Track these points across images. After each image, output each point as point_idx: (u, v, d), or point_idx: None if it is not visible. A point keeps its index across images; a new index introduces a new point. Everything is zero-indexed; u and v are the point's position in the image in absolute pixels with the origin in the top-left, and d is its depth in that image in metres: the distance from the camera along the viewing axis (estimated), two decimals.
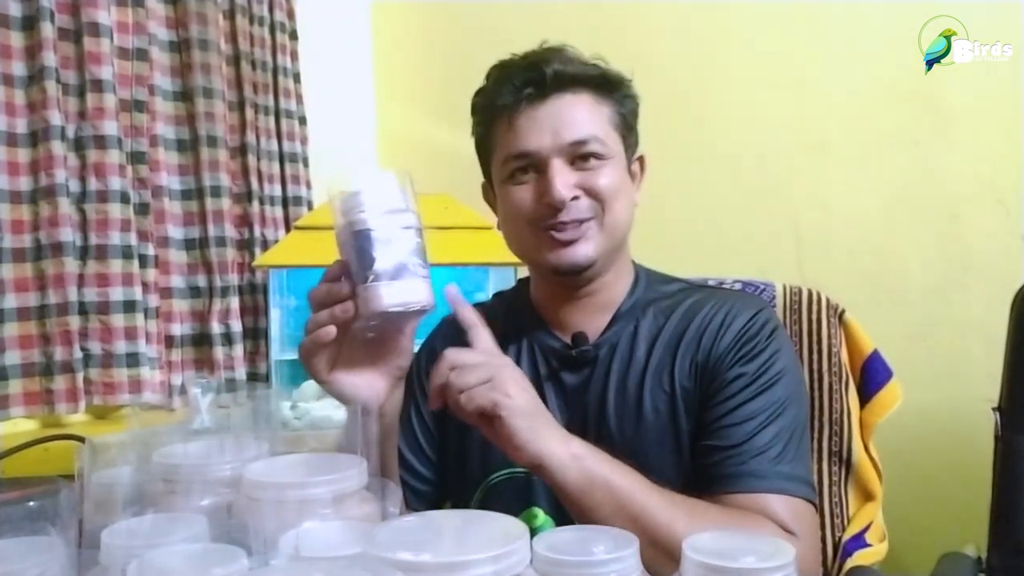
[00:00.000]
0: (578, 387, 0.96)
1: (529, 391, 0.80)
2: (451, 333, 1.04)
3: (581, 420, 0.94)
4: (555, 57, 0.92)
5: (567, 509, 0.79)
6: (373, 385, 0.84)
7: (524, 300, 1.04)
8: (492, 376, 0.76)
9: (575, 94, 0.92)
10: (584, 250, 0.91)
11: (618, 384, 0.93)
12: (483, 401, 0.75)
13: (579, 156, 0.91)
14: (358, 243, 0.75)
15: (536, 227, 0.92)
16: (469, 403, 0.75)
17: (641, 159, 1.01)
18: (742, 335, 0.91)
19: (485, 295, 2.00)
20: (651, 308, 0.97)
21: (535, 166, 0.91)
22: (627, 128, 0.97)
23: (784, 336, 0.95)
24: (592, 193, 0.90)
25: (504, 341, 1.00)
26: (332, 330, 0.78)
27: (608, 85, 0.94)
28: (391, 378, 0.85)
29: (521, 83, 0.91)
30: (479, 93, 0.98)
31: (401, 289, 0.75)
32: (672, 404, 0.91)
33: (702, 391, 0.90)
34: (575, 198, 0.90)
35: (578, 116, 0.91)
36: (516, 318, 1.02)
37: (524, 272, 1.05)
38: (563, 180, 0.89)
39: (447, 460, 1.03)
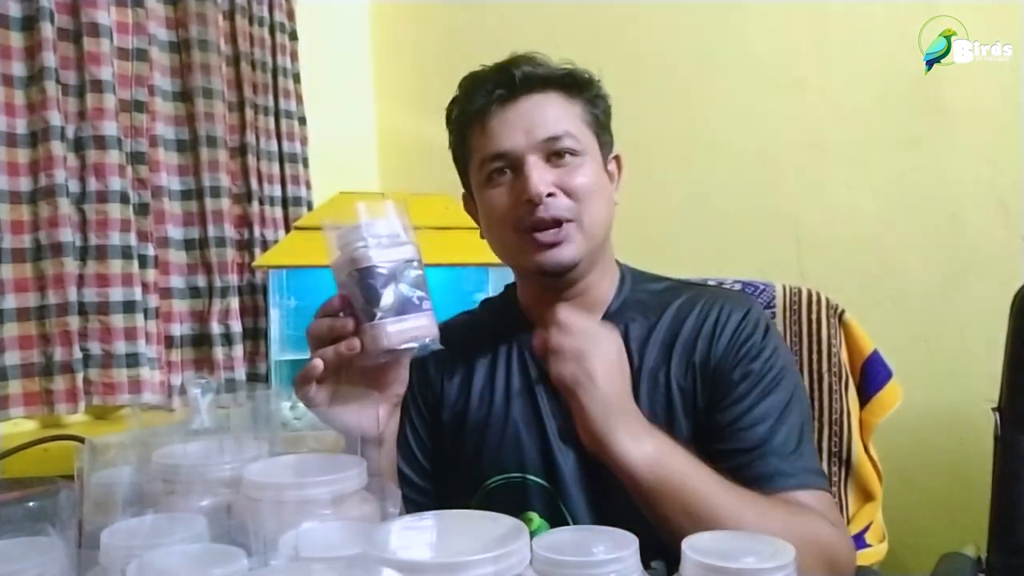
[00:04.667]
0: None
1: (619, 378, 0.82)
2: (454, 345, 1.04)
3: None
4: (523, 61, 0.93)
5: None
6: (372, 414, 0.83)
7: (512, 305, 1.04)
8: (584, 350, 0.79)
9: (544, 94, 0.93)
10: (567, 252, 0.90)
11: None
12: (566, 372, 0.79)
13: (554, 152, 0.91)
14: (363, 280, 0.75)
15: (518, 230, 0.92)
16: (554, 365, 0.79)
17: (618, 158, 1.01)
18: (739, 334, 0.91)
19: (484, 295, 2.00)
20: (640, 307, 0.97)
21: (511, 166, 0.92)
22: (600, 127, 0.97)
23: (776, 331, 0.96)
24: (569, 191, 0.90)
25: (493, 346, 1.01)
26: (320, 364, 0.77)
27: (577, 85, 0.95)
28: (389, 405, 0.86)
29: (491, 87, 0.92)
30: (451, 104, 0.99)
31: (408, 325, 0.75)
32: (668, 405, 0.91)
33: (706, 393, 0.90)
34: (551, 195, 0.89)
35: (549, 114, 0.91)
36: (505, 323, 1.02)
37: None
38: (539, 176, 0.89)
39: (441, 469, 1.03)
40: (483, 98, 0.92)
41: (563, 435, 0.94)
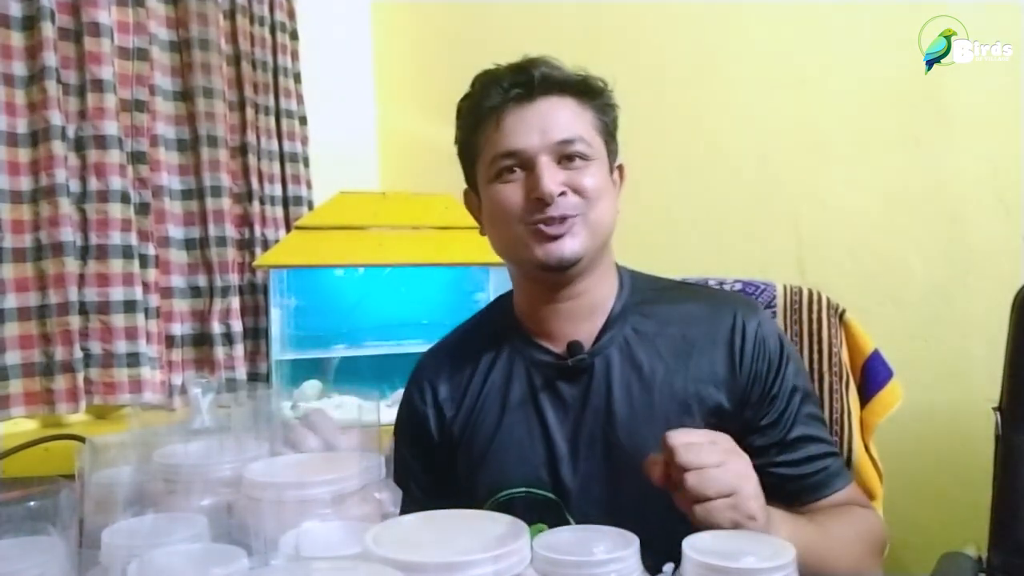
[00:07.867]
0: (578, 397, 0.95)
1: (756, 487, 0.75)
2: (444, 363, 1.03)
3: (588, 430, 0.93)
4: (540, 63, 0.94)
5: None
6: None
7: (508, 316, 1.03)
8: (736, 490, 0.71)
9: (560, 97, 0.94)
10: (571, 245, 0.91)
11: (624, 392, 0.93)
12: (722, 520, 0.70)
13: (565, 155, 0.92)
14: None
15: (524, 223, 0.92)
16: (707, 517, 0.70)
17: (620, 168, 1.01)
18: (761, 345, 0.94)
19: (485, 295, 2.00)
20: (642, 310, 0.97)
21: (522, 165, 0.92)
22: (609, 135, 0.98)
23: (781, 330, 1.01)
24: (578, 191, 0.91)
25: (492, 360, 1.00)
26: None
27: (590, 92, 0.96)
28: None
29: (509, 85, 0.93)
30: (465, 98, 0.99)
31: None
32: (686, 410, 0.91)
33: (735, 405, 0.92)
34: (562, 194, 0.90)
35: (563, 117, 0.93)
36: (502, 334, 1.01)
37: None
38: (551, 175, 0.90)
39: (454, 483, 1.01)
40: (499, 96, 0.93)
41: (571, 446, 0.94)
